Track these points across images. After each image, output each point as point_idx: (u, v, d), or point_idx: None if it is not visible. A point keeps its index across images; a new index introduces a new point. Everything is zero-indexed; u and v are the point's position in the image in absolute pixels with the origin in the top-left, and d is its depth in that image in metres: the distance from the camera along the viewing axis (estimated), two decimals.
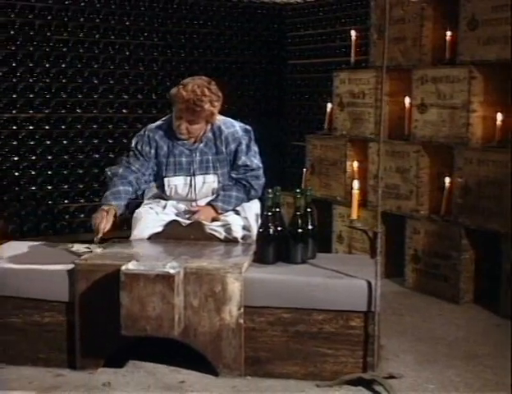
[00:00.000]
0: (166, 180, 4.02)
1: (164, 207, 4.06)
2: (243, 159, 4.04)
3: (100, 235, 3.77)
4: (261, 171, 4.12)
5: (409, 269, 5.11)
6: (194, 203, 4.05)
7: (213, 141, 4.02)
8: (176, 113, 3.92)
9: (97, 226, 3.76)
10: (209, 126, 4.00)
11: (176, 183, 4.03)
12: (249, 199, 4.09)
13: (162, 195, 4.11)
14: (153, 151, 4.01)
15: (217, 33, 7.25)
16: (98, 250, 3.74)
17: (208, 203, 4.02)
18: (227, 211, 4.01)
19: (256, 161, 4.10)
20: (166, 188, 4.04)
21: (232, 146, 4.03)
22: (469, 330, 4.23)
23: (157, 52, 6.90)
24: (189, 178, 4.02)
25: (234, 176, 4.07)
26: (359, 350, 3.41)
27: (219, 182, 4.05)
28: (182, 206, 4.07)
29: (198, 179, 4.02)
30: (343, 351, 3.42)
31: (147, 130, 4.07)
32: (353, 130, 5.67)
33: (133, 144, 4.07)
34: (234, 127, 4.07)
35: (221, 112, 4.10)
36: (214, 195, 4.05)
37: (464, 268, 4.74)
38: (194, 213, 4.00)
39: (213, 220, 3.99)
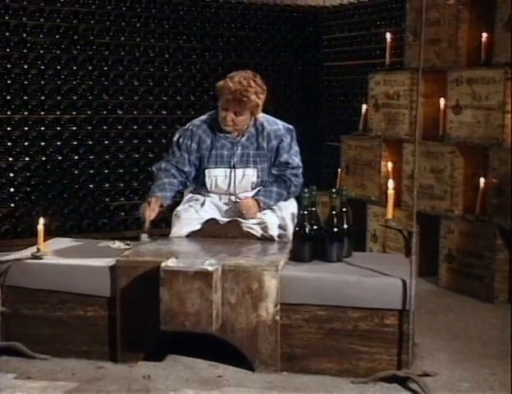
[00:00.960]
0: (207, 171, 4.03)
1: (202, 204, 4.08)
2: (284, 156, 4.04)
3: (147, 224, 3.87)
4: (300, 170, 4.11)
5: (443, 268, 5.06)
6: (233, 197, 4.06)
7: (255, 136, 4.02)
8: (223, 105, 3.93)
9: (143, 215, 3.88)
10: (252, 122, 4.01)
11: (217, 174, 4.03)
12: (288, 196, 4.09)
13: (200, 192, 4.13)
14: (194, 145, 4.03)
15: (254, 36, 7.26)
16: (146, 239, 3.85)
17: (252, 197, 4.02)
18: (269, 206, 4.00)
19: (297, 160, 4.09)
20: (206, 179, 4.04)
21: (274, 143, 4.03)
22: (504, 329, 4.16)
23: (195, 54, 6.93)
24: (229, 170, 4.02)
25: (275, 172, 4.07)
26: (394, 348, 3.38)
27: (258, 176, 4.04)
28: (220, 203, 4.08)
29: (238, 172, 4.02)
30: (377, 349, 3.40)
31: (191, 124, 4.10)
32: (387, 130, 5.64)
33: (175, 138, 4.11)
34: (277, 125, 4.07)
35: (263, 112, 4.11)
36: (253, 191, 4.05)
37: (499, 267, 4.67)
38: (236, 203, 4.00)
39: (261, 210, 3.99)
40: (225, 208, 4.07)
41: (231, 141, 4.02)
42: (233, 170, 4.02)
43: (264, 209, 3.99)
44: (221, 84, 3.94)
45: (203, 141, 4.02)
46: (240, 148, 4.01)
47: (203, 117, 4.13)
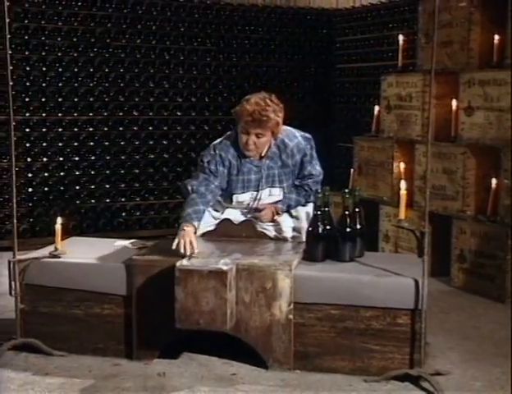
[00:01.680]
0: (234, 196, 3.93)
1: (218, 210, 4.04)
2: (308, 169, 3.97)
3: (189, 256, 3.47)
4: (321, 177, 4.04)
5: (455, 269, 5.04)
6: (255, 203, 3.98)
7: (279, 155, 3.90)
8: (243, 129, 3.77)
9: (185, 250, 3.48)
10: (273, 141, 3.88)
11: (244, 199, 3.96)
12: (307, 202, 4.04)
13: (221, 203, 4.04)
14: (226, 170, 3.86)
15: (268, 38, 7.25)
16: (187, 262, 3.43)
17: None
18: (288, 208, 3.98)
19: (318, 168, 4.03)
20: (233, 202, 3.96)
21: (297, 157, 3.93)
22: None
23: (210, 57, 6.94)
24: (255, 193, 3.95)
25: (297, 183, 4.01)
26: (406, 347, 3.37)
27: (284, 193, 3.98)
28: (238, 212, 4.02)
29: (265, 192, 3.95)
30: (390, 348, 3.39)
31: (217, 149, 3.87)
32: (400, 132, 5.62)
33: (205, 163, 3.84)
34: (296, 139, 3.94)
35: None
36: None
37: (510, 267, 4.63)
38: (257, 210, 3.96)
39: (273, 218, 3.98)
40: (241, 214, 4.03)
41: (257, 165, 3.89)
42: (260, 191, 3.95)
43: (280, 213, 3.97)
44: (239, 108, 3.78)
45: (232, 166, 3.86)
46: (265, 170, 3.90)
47: (225, 141, 3.91)
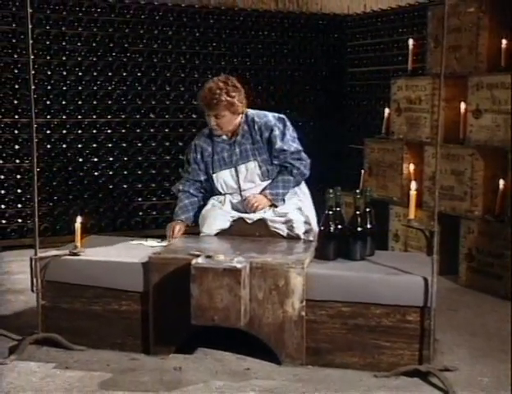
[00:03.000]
0: (214, 176, 4.08)
1: (221, 202, 4.08)
2: (279, 144, 4.01)
3: (168, 242, 3.98)
4: (302, 154, 4.07)
5: (463, 267, 5.01)
6: (242, 194, 4.05)
7: (249, 132, 4.05)
8: (205, 114, 4.03)
9: (168, 234, 4.04)
10: (243, 119, 4.03)
11: (223, 176, 4.07)
12: (296, 179, 4.06)
13: (218, 193, 4.13)
14: (199, 156, 4.11)
15: (281, 43, 7.25)
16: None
17: (260, 193, 4.03)
18: (278, 194, 3.99)
19: (295, 145, 4.05)
20: (216, 183, 4.08)
21: (266, 134, 4.03)
22: None
23: (224, 61, 6.94)
24: (233, 169, 4.05)
25: (276, 162, 4.05)
26: (415, 344, 3.36)
27: (260, 167, 4.04)
28: (235, 201, 4.08)
29: (241, 168, 4.04)
30: (400, 344, 3.38)
31: (194, 140, 4.20)
32: (409, 134, 5.60)
33: (185, 157, 4.23)
34: (266, 117, 4.08)
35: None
36: (261, 184, 4.04)
37: None
38: (249, 205, 3.99)
39: (271, 206, 3.99)
40: (239, 205, 4.08)
41: (229, 143, 4.07)
42: (236, 168, 4.04)
43: (274, 200, 3.99)
44: (198, 95, 4.08)
45: (204, 150, 4.10)
46: (237, 146, 4.05)
47: (203, 129, 4.22)
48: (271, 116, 4.08)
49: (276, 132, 4.02)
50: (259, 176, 4.05)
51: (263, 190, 4.05)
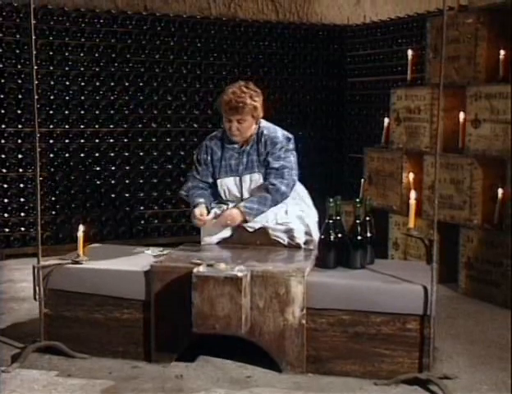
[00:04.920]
0: (218, 181, 4.06)
1: (223, 211, 4.06)
2: (269, 159, 3.96)
3: (206, 222, 3.93)
4: (286, 172, 3.94)
5: (463, 275, 5.01)
6: (224, 207, 4.03)
7: (256, 142, 4.03)
8: (225, 118, 3.97)
9: (198, 224, 3.97)
10: (256, 130, 4.00)
11: (227, 183, 4.04)
12: (274, 198, 3.91)
13: (221, 201, 4.12)
14: (209, 158, 4.07)
15: (282, 53, 7.27)
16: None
17: (234, 207, 3.97)
18: (252, 209, 3.87)
19: (282, 162, 3.95)
20: (219, 189, 4.07)
21: (269, 149, 3.99)
22: None
23: (225, 71, 6.96)
24: (238, 178, 4.04)
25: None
26: (415, 352, 3.36)
27: (265, 180, 4.01)
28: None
29: (246, 178, 4.02)
30: (399, 352, 3.38)
31: (206, 140, 4.16)
32: (409, 143, 5.61)
33: (194, 157, 4.18)
34: (275, 133, 4.03)
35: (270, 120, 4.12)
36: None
37: None
38: (222, 220, 3.92)
39: (243, 222, 3.89)
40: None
41: (238, 151, 4.04)
42: (241, 177, 4.03)
43: (246, 214, 3.87)
44: (219, 100, 4.01)
45: (214, 153, 4.07)
46: (245, 156, 4.02)
47: (215, 132, 4.17)
48: (280, 133, 4.03)
49: (278, 146, 3.98)
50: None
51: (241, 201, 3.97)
